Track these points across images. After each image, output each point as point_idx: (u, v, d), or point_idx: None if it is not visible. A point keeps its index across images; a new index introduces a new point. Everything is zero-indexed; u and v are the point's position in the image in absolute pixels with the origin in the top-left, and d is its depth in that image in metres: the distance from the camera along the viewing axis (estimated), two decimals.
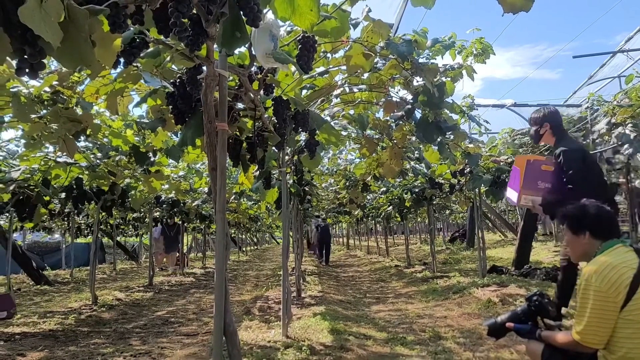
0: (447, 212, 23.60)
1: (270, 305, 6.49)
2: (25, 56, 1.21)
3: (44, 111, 3.68)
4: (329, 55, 3.56)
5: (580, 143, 4.50)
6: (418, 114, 4.39)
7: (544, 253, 11.06)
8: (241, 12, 1.72)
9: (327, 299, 7.08)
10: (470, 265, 10.41)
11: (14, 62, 1.64)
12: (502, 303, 5.57)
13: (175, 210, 10.86)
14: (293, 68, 3.10)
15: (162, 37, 2.04)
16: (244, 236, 28.15)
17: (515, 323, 2.44)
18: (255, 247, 35.25)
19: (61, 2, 1.18)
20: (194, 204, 10.68)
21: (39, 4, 1.11)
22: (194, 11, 1.78)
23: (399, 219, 14.72)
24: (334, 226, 30.62)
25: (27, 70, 1.22)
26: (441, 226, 31.22)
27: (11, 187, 5.61)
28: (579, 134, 6.34)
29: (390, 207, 12.38)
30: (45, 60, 1.28)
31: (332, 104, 4.80)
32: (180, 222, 12.85)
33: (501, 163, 6.85)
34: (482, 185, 6.75)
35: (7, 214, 9.37)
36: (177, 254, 13.25)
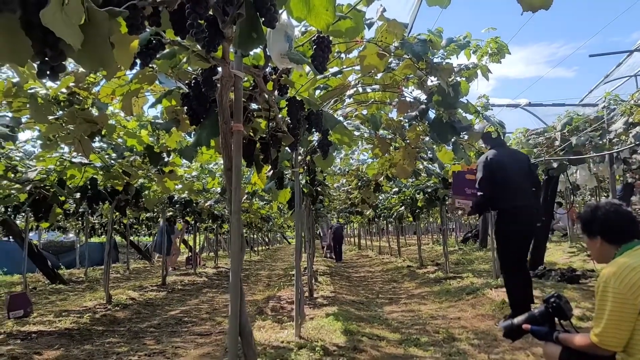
0: (460, 212, 23.44)
1: (283, 305, 6.50)
2: (46, 58, 1.22)
3: (60, 112, 3.72)
4: (342, 55, 3.55)
5: (497, 151, 4.88)
6: (432, 114, 4.37)
7: (559, 254, 10.93)
8: (257, 13, 1.72)
9: (339, 299, 7.07)
10: (483, 266, 10.33)
11: (34, 64, 1.66)
12: None
13: (188, 209, 10.93)
14: (307, 68, 3.10)
15: (178, 38, 2.05)
16: (255, 236, 28.23)
17: (532, 325, 2.41)
18: (267, 247, 35.34)
19: (82, 4, 1.19)
20: (206, 204, 10.72)
21: (61, 6, 1.12)
22: (210, 12, 1.78)
23: (411, 219, 14.67)
24: (346, 226, 30.59)
25: (48, 72, 1.23)
26: (453, 226, 31.02)
27: (28, 187, 5.67)
28: (596, 133, 6.26)
29: (403, 207, 12.34)
30: (65, 62, 1.29)
31: (345, 104, 4.79)
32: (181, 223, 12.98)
33: None
34: None
35: (23, 214, 9.49)
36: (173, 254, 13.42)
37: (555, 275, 7.35)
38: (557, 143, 6.79)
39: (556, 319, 2.38)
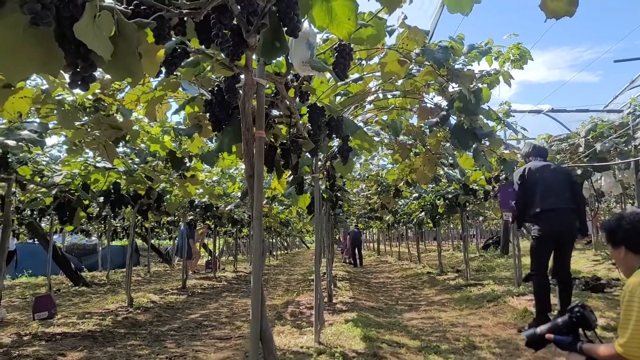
0: (481, 218, 23.21)
1: (302, 311, 6.51)
2: (78, 69, 1.26)
3: (86, 118, 3.80)
4: (363, 62, 3.57)
5: (533, 162, 5.15)
6: (453, 120, 4.35)
7: (583, 262, 10.75)
8: (281, 23, 1.75)
9: (358, 305, 7.05)
10: (504, 273, 10.21)
11: (63, 73, 1.71)
12: None
13: (208, 214, 11.03)
14: (328, 75, 3.13)
15: (202, 47, 2.09)
16: (274, 240, 28.34)
17: (556, 334, 2.38)
18: (286, 252, 35.42)
19: (112, 17, 1.23)
20: (227, 208, 10.81)
21: (93, 19, 1.16)
22: (235, 22, 1.82)
23: (431, 225, 14.57)
24: (365, 231, 30.53)
25: (79, 82, 1.27)
26: (474, 233, 30.71)
27: (53, 191, 5.80)
28: (621, 140, 6.16)
29: (423, 213, 12.27)
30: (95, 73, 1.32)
31: (365, 109, 4.80)
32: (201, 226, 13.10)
33: None
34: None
35: (48, 217, 9.70)
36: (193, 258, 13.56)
37: (579, 283, 7.23)
38: (581, 149, 6.69)
39: (580, 329, 2.34)
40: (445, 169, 7.21)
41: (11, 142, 3.96)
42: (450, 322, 5.84)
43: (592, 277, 7.48)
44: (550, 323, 2.46)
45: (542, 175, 4.97)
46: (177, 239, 19.19)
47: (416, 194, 11.29)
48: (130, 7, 1.48)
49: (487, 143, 4.79)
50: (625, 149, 6.10)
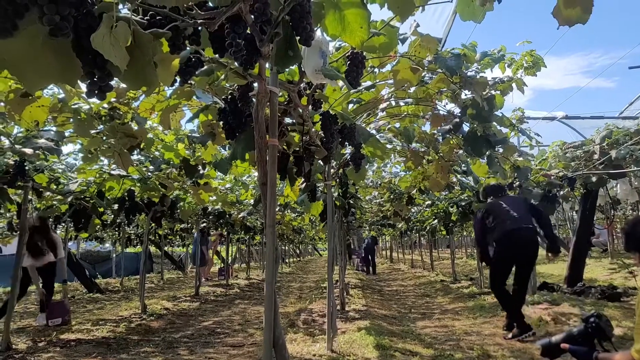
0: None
1: (315, 318, 6.50)
2: (95, 79, 1.28)
3: (102, 126, 3.85)
4: (376, 69, 3.58)
5: (491, 201, 5.77)
6: (466, 127, 4.34)
7: (599, 270, 10.61)
8: (294, 32, 1.76)
9: (371, 313, 7.02)
10: None
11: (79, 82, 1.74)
12: (554, 322, 5.37)
13: (221, 221, 11.08)
14: (341, 83, 3.14)
15: (216, 56, 2.11)
16: (286, 247, 28.34)
17: (571, 344, 2.35)
18: (298, 259, 35.39)
19: (129, 27, 1.25)
20: (239, 216, 10.85)
21: (109, 30, 1.18)
22: (248, 31, 1.83)
23: (444, 232, 14.48)
24: (378, 239, 30.42)
25: (96, 92, 1.29)
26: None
27: (69, 199, 5.87)
28: (637, 147, 6.09)
29: (436, 221, 12.20)
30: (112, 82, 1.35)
31: (378, 117, 4.80)
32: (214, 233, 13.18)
33: (552, 177, 6.66)
34: (532, 199, 6.57)
35: (64, 224, 9.81)
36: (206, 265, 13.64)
37: (595, 292, 7.14)
38: (596, 156, 6.62)
39: (595, 339, 2.31)
40: (459, 176, 7.18)
41: (28, 151, 4.02)
42: (464, 331, 5.78)
43: (608, 286, 7.38)
44: (565, 332, 2.43)
45: (500, 206, 5.45)
46: (190, 246, 19.31)
47: (429, 202, 11.23)
48: (146, 18, 1.51)
49: (501, 150, 4.77)
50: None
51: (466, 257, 23.14)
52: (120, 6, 1.45)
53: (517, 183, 6.76)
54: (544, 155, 7.65)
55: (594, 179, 6.98)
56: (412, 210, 12.87)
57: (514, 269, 5.46)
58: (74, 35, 1.18)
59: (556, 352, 2.44)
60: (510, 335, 5.14)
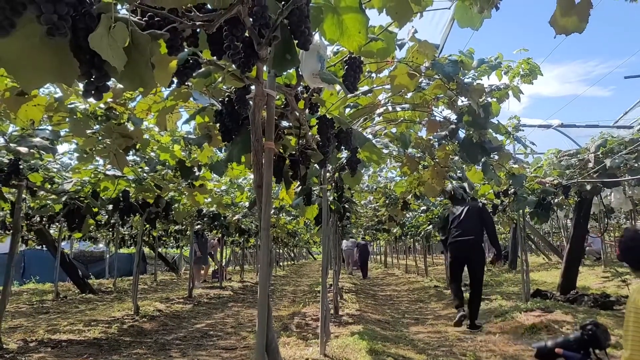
0: None
1: (308, 322, 6.48)
2: (92, 79, 1.28)
3: (98, 126, 3.84)
4: (373, 74, 3.58)
5: (454, 207, 7.09)
6: (462, 133, 4.35)
7: (592, 278, 10.63)
8: (292, 35, 1.76)
9: (365, 317, 7.01)
10: (512, 288, 10.11)
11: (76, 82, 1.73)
12: (547, 329, 5.39)
13: (215, 223, 11.05)
14: (338, 87, 3.14)
15: (214, 58, 2.11)
16: (281, 251, 28.30)
17: (565, 349, 2.36)
18: (292, 262, 35.32)
19: (126, 28, 1.25)
20: (234, 218, 10.83)
21: (108, 31, 1.18)
22: (246, 34, 1.83)
23: (439, 238, 14.50)
24: (372, 244, 30.43)
25: (93, 92, 1.28)
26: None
27: (63, 198, 5.84)
28: (631, 156, 6.12)
29: (431, 226, 12.22)
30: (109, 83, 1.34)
31: (374, 122, 4.81)
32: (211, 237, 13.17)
33: (547, 185, 6.69)
34: (527, 207, 6.59)
35: (57, 224, 9.76)
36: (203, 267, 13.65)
37: (588, 300, 7.16)
38: (590, 165, 6.65)
39: (591, 347, 2.32)
40: (454, 182, 7.19)
41: (23, 149, 4.01)
42: (457, 337, 5.79)
43: (601, 294, 7.39)
44: (561, 337, 2.44)
45: (454, 215, 6.79)
46: (184, 247, 19.26)
47: (424, 207, 11.25)
48: (144, 19, 1.51)
49: (496, 157, 4.78)
50: (636, 165, 6.06)
51: None
52: (119, 7, 1.45)
53: (512, 190, 6.78)
54: (539, 163, 7.68)
55: (588, 187, 7.00)
56: (407, 215, 12.87)
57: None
58: (72, 34, 1.18)
59: (550, 356, 2.44)
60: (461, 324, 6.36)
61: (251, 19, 1.62)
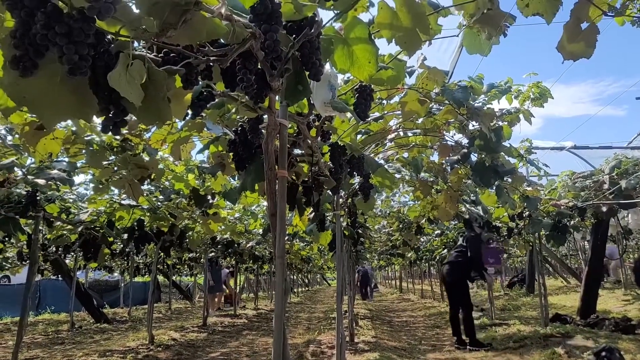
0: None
1: (323, 350, 6.41)
2: (110, 114, 1.31)
3: (113, 157, 3.90)
4: (384, 101, 3.62)
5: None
6: (474, 157, 4.35)
7: (612, 302, 10.40)
8: (304, 67, 1.80)
9: (381, 344, 6.91)
10: (530, 313, 9.93)
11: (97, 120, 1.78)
12: (567, 356, 5.26)
13: (229, 250, 11.06)
14: (349, 115, 3.18)
15: (227, 90, 2.16)
16: (295, 277, 28.12)
17: None
18: (307, 289, 35.06)
19: (143, 65, 1.29)
20: (248, 245, 10.83)
21: (125, 68, 1.22)
22: (259, 67, 1.88)
23: None
24: (387, 268, 30.17)
25: (111, 127, 1.32)
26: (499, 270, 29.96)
27: (79, 229, 5.90)
28: None
29: (445, 250, 12.10)
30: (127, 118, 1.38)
31: (386, 147, 4.83)
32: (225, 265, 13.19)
33: (562, 207, 6.62)
34: (542, 229, 6.52)
35: (73, 254, 9.83)
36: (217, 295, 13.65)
37: (609, 324, 7.00)
38: (605, 186, 6.58)
39: None
40: (468, 205, 7.15)
41: (41, 181, 4.08)
42: None
43: (622, 318, 7.23)
44: None
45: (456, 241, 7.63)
46: (197, 275, 19.24)
47: (438, 231, 11.17)
48: (160, 55, 1.55)
49: (510, 180, 4.76)
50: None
51: (476, 287, 22.82)
52: (135, 44, 1.50)
53: (527, 213, 6.72)
54: (553, 185, 7.61)
55: (604, 209, 6.92)
56: (422, 239, 12.78)
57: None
58: (91, 72, 1.22)
59: None
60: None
61: (263, 53, 1.66)
